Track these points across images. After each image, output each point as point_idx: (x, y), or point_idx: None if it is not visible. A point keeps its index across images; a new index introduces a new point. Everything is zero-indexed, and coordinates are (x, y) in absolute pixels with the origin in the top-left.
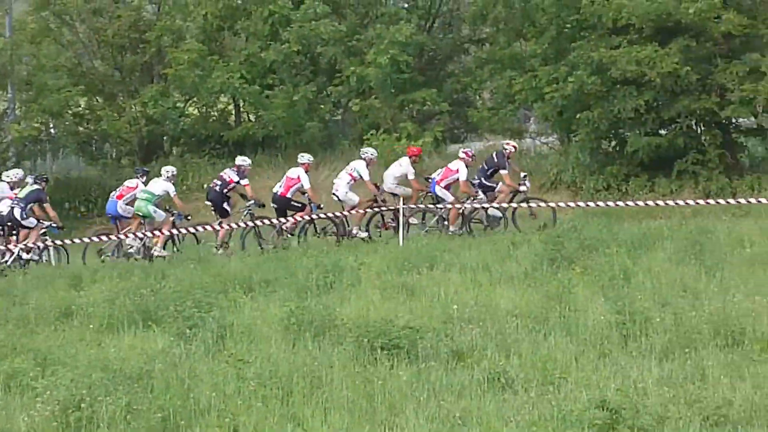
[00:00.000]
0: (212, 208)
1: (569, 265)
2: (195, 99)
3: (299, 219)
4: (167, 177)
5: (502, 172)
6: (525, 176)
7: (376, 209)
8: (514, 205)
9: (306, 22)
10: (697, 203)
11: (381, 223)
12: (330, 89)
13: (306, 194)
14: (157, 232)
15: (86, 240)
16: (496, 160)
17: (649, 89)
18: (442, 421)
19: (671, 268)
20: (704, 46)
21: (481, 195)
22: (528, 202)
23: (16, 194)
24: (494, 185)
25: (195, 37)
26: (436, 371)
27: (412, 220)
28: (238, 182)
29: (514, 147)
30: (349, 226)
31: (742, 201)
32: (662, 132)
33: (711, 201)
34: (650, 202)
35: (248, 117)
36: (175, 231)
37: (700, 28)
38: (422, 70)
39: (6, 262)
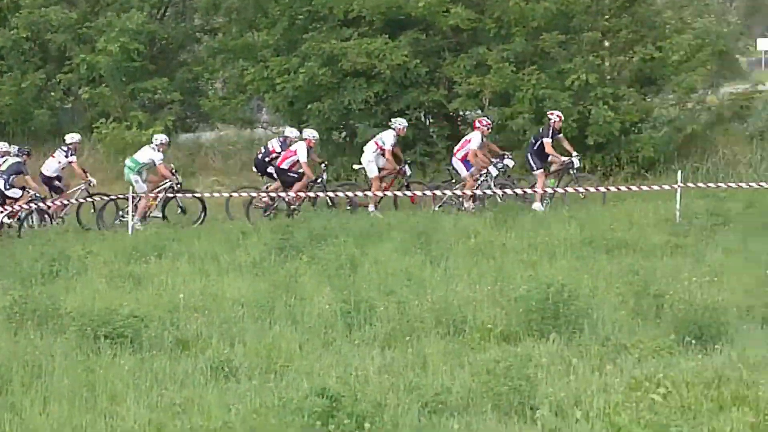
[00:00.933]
0: None
1: (297, 255)
2: None
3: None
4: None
5: (544, 140)
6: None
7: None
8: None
9: (35, 8)
10: (425, 194)
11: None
12: (59, 77)
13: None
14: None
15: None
16: (541, 131)
17: (379, 81)
18: (164, 410)
19: (398, 258)
20: (433, 40)
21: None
22: None
23: None
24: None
25: None
26: (160, 360)
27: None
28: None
29: (559, 117)
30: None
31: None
32: None
33: (438, 192)
34: (379, 193)
35: None
36: None
37: (429, 21)
38: (154, 58)
39: None
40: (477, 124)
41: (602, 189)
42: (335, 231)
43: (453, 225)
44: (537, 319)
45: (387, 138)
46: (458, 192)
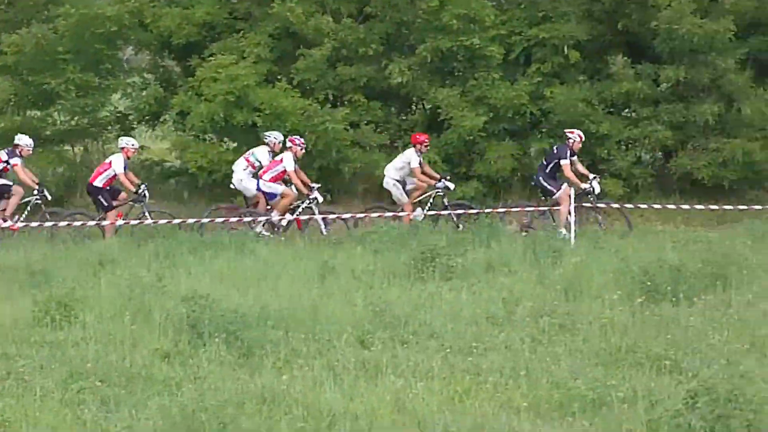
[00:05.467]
0: None
1: None
2: None
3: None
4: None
5: (562, 162)
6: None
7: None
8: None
9: None
10: None
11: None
12: None
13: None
14: None
15: None
16: (556, 151)
17: None
18: None
19: None
20: None
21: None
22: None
23: None
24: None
25: None
26: None
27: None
28: (7, 162)
29: (580, 137)
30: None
31: None
32: None
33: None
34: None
35: None
36: None
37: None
38: None
39: None
40: (288, 144)
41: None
42: None
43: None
44: None
45: (411, 157)
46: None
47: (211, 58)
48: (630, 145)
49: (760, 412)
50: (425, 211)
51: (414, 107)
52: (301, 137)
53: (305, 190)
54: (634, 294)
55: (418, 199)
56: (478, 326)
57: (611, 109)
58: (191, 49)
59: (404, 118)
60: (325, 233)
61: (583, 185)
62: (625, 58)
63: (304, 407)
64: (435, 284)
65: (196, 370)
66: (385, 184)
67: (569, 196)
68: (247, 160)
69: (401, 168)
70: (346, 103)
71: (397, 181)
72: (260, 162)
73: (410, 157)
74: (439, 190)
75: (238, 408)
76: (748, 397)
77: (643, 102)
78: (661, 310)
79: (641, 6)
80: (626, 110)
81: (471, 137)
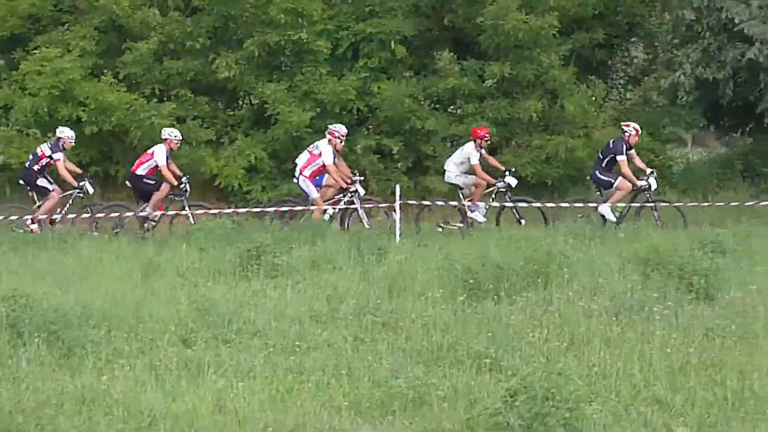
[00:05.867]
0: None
1: None
2: None
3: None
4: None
5: (618, 158)
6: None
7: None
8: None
9: None
10: None
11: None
12: None
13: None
14: None
15: None
16: (612, 146)
17: None
18: None
19: None
20: None
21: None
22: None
23: None
24: (611, 179)
25: None
26: None
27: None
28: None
29: (636, 130)
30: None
31: None
32: None
33: None
34: None
35: None
36: None
37: None
38: None
39: None
40: (328, 136)
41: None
42: None
43: None
44: None
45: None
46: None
47: (35, 51)
48: (455, 142)
49: (576, 410)
50: (488, 205)
51: (241, 102)
52: (341, 128)
53: (343, 184)
54: (456, 292)
55: (481, 194)
56: (302, 324)
57: (437, 105)
58: (15, 42)
59: (231, 113)
60: (368, 226)
61: (640, 182)
62: (452, 53)
63: (125, 407)
64: (260, 282)
65: (15, 370)
66: (446, 179)
67: (627, 190)
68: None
69: (461, 163)
70: (172, 97)
71: (462, 173)
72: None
73: (470, 152)
74: (501, 188)
75: (57, 409)
76: (565, 395)
77: (468, 98)
78: (483, 308)
79: (468, 2)
80: (452, 106)
81: (298, 133)
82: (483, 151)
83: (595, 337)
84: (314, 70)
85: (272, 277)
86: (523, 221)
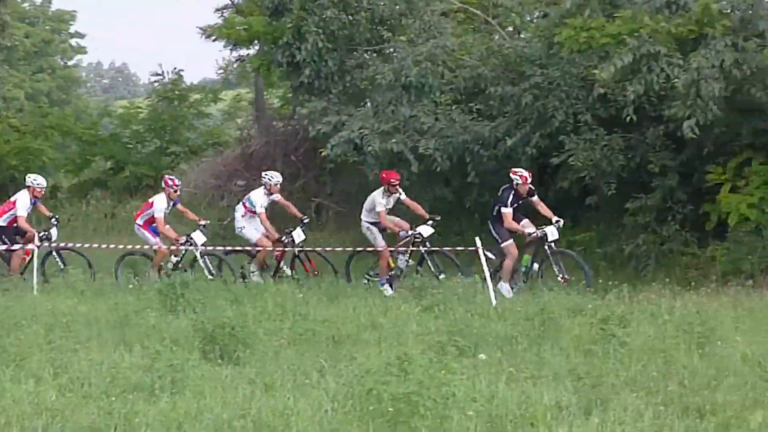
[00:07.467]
0: None
1: None
2: None
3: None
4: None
5: (503, 210)
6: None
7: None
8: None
9: None
10: None
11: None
12: None
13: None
14: None
15: None
16: (500, 194)
17: None
18: None
19: None
20: None
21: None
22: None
23: None
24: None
25: None
26: None
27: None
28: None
29: (524, 177)
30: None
31: None
32: None
33: None
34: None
35: None
36: None
37: None
38: None
39: None
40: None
41: None
42: None
43: None
44: None
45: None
46: None
47: None
48: None
49: None
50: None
51: None
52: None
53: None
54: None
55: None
56: None
57: None
58: None
59: None
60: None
61: (528, 229)
62: None
63: None
64: None
65: None
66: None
67: (513, 256)
68: (245, 206)
69: (371, 210)
70: None
71: (371, 224)
72: (254, 205)
73: (376, 199)
74: (417, 238)
75: None
76: None
77: None
78: None
79: None
80: None
81: None
82: (401, 197)
83: None
84: None
85: None
86: (442, 275)
